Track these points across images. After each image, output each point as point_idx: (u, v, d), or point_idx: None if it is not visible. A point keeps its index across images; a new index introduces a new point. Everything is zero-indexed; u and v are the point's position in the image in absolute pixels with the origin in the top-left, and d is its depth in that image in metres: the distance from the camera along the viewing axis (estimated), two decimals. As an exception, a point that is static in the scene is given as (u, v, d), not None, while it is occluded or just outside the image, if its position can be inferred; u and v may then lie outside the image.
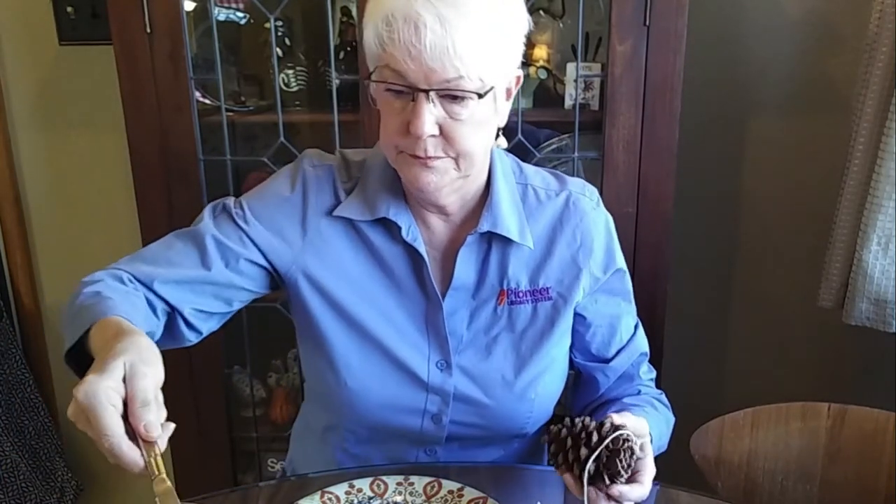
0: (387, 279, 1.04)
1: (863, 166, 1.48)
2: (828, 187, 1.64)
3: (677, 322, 1.66)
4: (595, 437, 0.82)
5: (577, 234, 1.05)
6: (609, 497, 0.83)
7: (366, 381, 1.03)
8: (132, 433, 0.72)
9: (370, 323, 1.02)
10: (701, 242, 1.84)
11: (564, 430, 0.85)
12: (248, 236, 1.01)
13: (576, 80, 1.48)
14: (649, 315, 1.50)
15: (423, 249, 1.01)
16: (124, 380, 0.73)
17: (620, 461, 0.82)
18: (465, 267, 1.03)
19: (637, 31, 1.38)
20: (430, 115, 0.88)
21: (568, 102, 1.54)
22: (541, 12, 1.62)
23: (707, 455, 1.29)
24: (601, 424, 0.84)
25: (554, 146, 1.59)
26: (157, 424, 0.72)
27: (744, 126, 1.78)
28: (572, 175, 1.50)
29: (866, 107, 1.45)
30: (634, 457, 0.83)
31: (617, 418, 0.85)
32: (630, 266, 1.48)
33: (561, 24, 1.63)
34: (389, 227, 1.02)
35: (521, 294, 1.04)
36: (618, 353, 1.09)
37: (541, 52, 1.61)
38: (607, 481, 0.82)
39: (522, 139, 1.48)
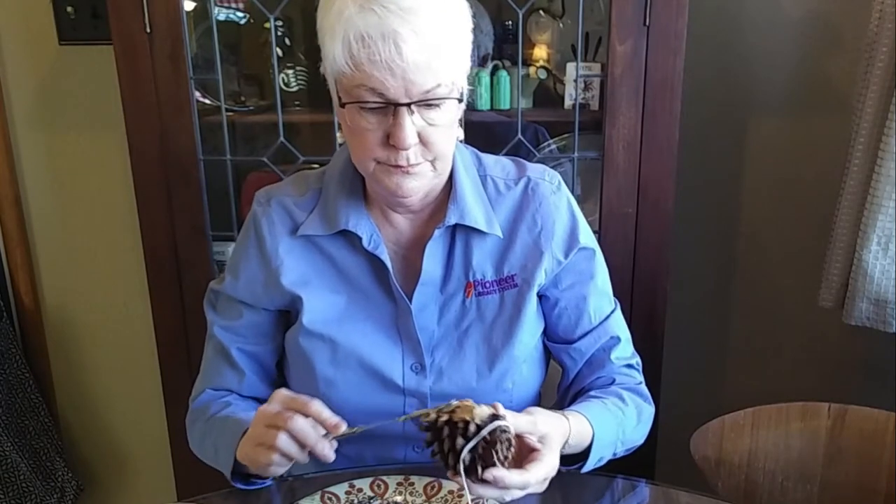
0: (353, 291, 1.05)
1: (863, 166, 1.48)
2: (828, 187, 1.64)
3: (677, 322, 1.66)
4: (472, 428, 0.81)
5: (537, 219, 1.05)
6: (485, 482, 0.82)
7: (342, 393, 1.04)
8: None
9: (341, 337, 1.04)
10: (701, 242, 1.84)
11: (441, 420, 0.83)
12: (243, 303, 1.08)
13: (576, 80, 1.48)
14: (649, 315, 1.50)
15: (385, 257, 1.02)
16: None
17: (496, 452, 0.81)
18: (432, 261, 1.03)
19: (637, 31, 1.38)
20: (412, 126, 0.90)
21: (568, 102, 1.54)
22: (541, 12, 1.62)
23: (707, 455, 1.29)
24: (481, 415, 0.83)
25: (554, 146, 1.59)
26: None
27: (744, 126, 1.78)
28: (571, 175, 1.52)
29: (866, 107, 1.45)
30: (512, 449, 0.83)
31: (501, 409, 0.85)
32: (630, 266, 1.49)
33: (561, 24, 1.63)
34: (351, 238, 1.03)
35: (487, 284, 1.05)
36: (585, 335, 1.09)
37: (541, 52, 1.62)
38: (480, 473, 0.81)
39: (522, 139, 1.48)
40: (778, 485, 1.31)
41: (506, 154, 1.31)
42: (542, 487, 0.88)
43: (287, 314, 1.10)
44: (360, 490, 0.97)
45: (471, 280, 1.05)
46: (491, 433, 0.81)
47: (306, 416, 0.89)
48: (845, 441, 1.28)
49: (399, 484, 0.98)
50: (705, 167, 1.78)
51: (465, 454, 0.80)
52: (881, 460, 1.25)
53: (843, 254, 1.54)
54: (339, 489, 0.97)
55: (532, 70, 1.60)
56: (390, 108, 0.89)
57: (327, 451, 0.89)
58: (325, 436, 0.90)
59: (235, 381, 1.09)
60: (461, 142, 1.06)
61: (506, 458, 0.82)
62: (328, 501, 0.95)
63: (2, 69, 1.85)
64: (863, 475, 1.27)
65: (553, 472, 0.87)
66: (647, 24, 1.38)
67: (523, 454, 0.87)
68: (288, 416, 0.88)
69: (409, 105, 0.88)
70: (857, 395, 1.36)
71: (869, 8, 1.45)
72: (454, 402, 0.84)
